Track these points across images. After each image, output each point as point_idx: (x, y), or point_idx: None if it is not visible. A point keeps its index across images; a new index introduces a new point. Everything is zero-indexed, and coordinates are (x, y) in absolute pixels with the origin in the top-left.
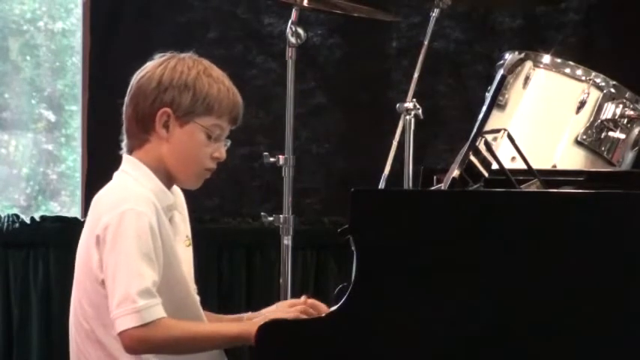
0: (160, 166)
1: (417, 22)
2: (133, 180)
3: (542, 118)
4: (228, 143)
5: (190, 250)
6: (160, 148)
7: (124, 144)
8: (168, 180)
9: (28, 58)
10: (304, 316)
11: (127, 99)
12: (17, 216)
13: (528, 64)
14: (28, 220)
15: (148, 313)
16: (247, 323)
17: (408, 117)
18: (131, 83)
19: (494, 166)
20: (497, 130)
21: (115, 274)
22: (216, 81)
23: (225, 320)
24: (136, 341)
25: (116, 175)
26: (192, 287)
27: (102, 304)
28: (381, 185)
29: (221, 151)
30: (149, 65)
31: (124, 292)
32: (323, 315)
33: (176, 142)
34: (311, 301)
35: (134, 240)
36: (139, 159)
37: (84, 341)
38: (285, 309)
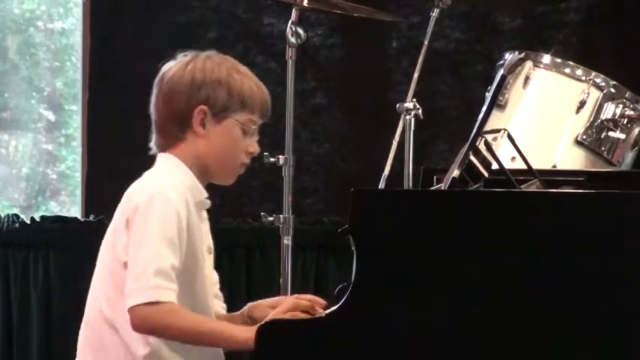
0: (195, 164)
1: (417, 22)
2: (168, 172)
3: (542, 118)
4: (257, 138)
5: (211, 258)
6: (196, 146)
7: (153, 143)
8: (202, 178)
9: (27, 57)
10: (302, 316)
11: (156, 99)
12: (17, 216)
13: (528, 64)
14: (28, 220)
15: (159, 293)
16: (253, 330)
17: (408, 117)
18: (158, 83)
19: (495, 166)
20: (497, 130)
21: (136, 253)
22: (246, 76)
23: (234, 318)
24: (141, 319)
25: (151, 170)
26: (211, 292)
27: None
28: (381, 185)
29: (255, 145)
30: (175, 65)
31: (142, 269)
32: (323, 315)
33: (214, 139)
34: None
35: (159, 223)
36: (174, 155)
37: (101, 326)
38: (284, 308)
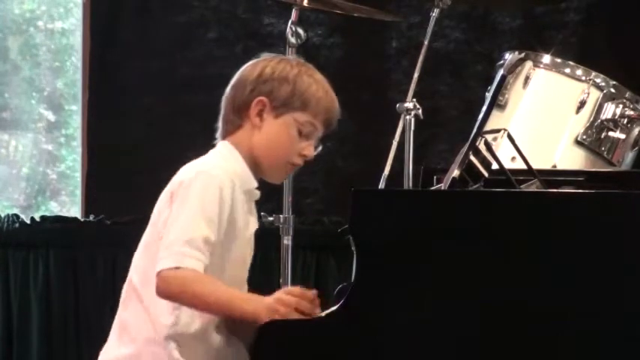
0: (248, 154)
1: (417, 22)
2: (221, 157)
3: (542, 118)
4: (320, 148)
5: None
6: (251, 136)
7: (218, 133)
8: (253, 171)
9: (27, 57)
10: (296, 314)
11: (227, 89)
12: (17, 216)
13: (528, 64)
14: (28, 220)
15: (184, 260)
16: (262, 303)
17: (408, 117)
18: (235, 76)
19: (495, 166)
20: (497, 130)
21: (173, 223)
22: (317, 81)
23: None
24: (163, 282)
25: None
26: (245, 277)
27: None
28: (381, 185)
29: (310, 149)
30: (253, 61)
31: (174, 237)
32: (323, 315)
33: (267, 132)
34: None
35: (200, 197)
36: (230, 143)
37: (130, 297)
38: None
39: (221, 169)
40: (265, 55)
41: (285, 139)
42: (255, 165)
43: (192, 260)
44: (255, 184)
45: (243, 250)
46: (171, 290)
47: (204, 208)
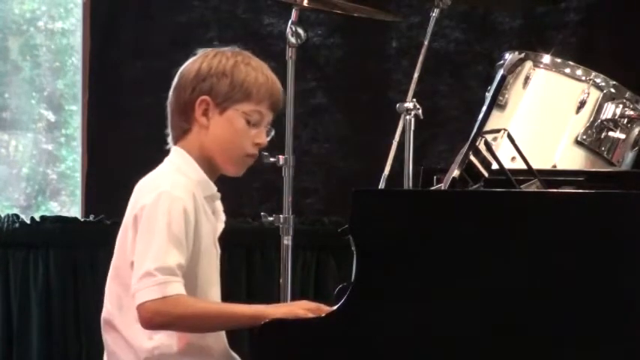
0: (201, 155)
1: (417, 22)
2: (176, 169)
3: (542, 118)
4: (272, 132)
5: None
6: (200, 137)
7: (169, 138)
8: (211, 170)
9: (28, 57)
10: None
11: (170, 92)
12: (17, 216)
13: (528, 64)
14: (28, 220)
15: (167, 288)
16: (263, 306)
17: (408, 117)
18: (175, 78)
19: (495, 166)
20: (497, 130)
21: (143, 252)
22: (255, 69)
23: None
24: (152, 314)
25: (162, 164)
26: (217, 285)
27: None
28: (381, 185)
29: (262, 136)
30: (190, 60)
31: (147, 267)
32: (323, 315)
33: (216, 129)
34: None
35: (166, 222)
36: (182, 148)
37: (105, 323)
38: (289, 306)
39: (181, 186)
40: (201, 51)
41: (235, 133)
42: (210, 164)
43: (175, 285)
44: (214, 188)
45: (211, 257)
46: (164, 321)
47: (172, 233)
